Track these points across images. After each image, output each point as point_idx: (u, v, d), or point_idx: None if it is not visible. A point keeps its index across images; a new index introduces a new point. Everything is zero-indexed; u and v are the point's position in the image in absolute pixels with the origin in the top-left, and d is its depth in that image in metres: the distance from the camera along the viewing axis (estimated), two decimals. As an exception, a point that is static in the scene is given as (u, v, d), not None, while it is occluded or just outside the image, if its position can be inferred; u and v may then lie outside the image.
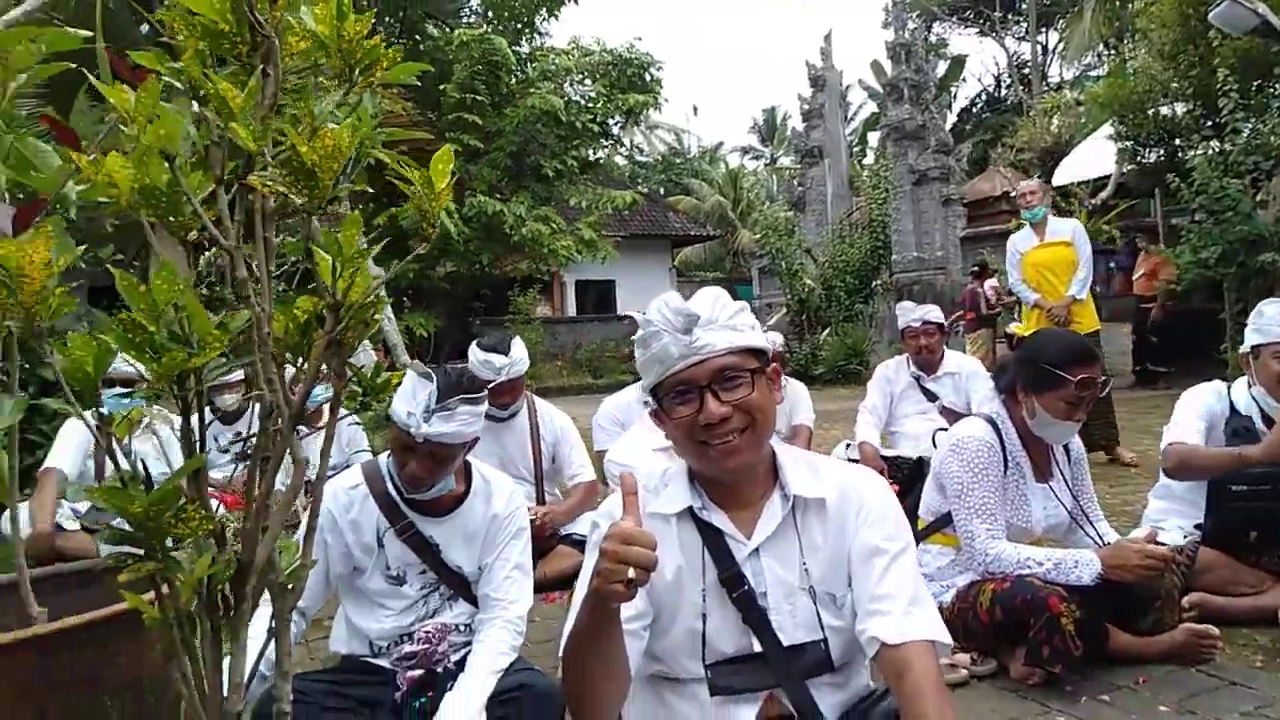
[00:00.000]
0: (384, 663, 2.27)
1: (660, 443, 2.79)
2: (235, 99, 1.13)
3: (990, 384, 4.95)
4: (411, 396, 2.14)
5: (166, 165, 1.17)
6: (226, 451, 5.44)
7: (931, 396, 5.00)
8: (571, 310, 22.20)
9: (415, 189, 1.14)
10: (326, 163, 1.07)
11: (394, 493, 2.31)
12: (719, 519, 1.59)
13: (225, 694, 1.24)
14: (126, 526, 1.15)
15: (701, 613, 1.56)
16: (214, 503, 3.79)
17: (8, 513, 4.34)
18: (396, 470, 2.24)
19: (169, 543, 1.17)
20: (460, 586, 2.35)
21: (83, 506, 4.39)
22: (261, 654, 1.35)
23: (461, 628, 2.35)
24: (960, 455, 2.69)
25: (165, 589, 1.27)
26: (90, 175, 1.08)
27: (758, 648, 1.56)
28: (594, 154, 11.68)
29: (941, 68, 26.25)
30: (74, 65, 1.95)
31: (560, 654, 1.51)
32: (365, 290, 1.25)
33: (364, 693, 2.17)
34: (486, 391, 2.32)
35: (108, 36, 1.86)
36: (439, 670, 2.27)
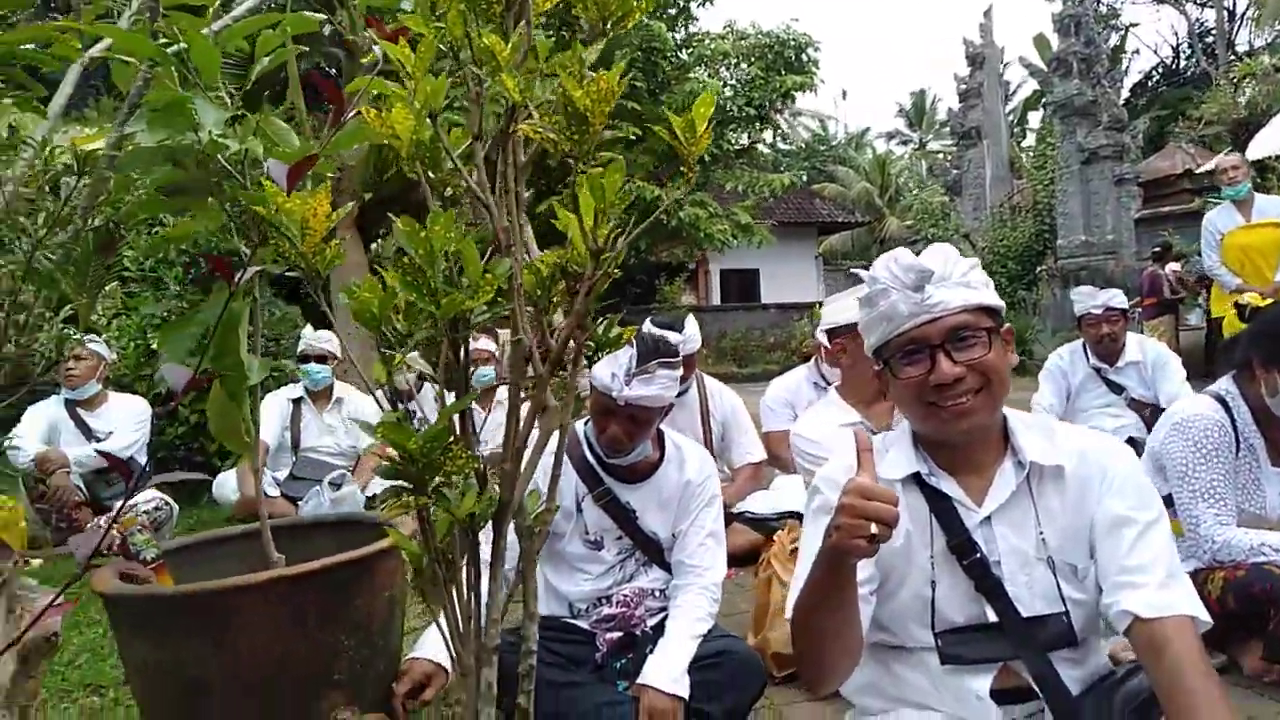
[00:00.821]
0: (583, 624, 2.33)
1: (848, 418, 2.75)
2: (502, 52, 1.16)
3: (1182, 370, 4.60)
4: (612, 360, 2.17)
5: (429, 122, 1.22)
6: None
7: (1116, 389, 4.66)
8: (716, 299, 22.16)
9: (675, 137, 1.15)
10: (598, 106, 1.08)
11: (591, 459, 2.36)
12: (947, 485, 1.54)
13: (484, 628, 1.29)
14: (399, 464, 1.21)
15: (930, 579, 1.52)
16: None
17: (219, 479, 4.73)
18: (596, 434, 2.29)
19: (437, 479, 1.22)
20: (655, 552, 2.38)
21: (282, 475, 4.72)
22: (510, 594, 1.39)
23: (657, 593, 2.38)
24: (1185, 435, 2.50)
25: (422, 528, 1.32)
26: (375, 127, 1.14)
27: (992, 617, 1.50)
28: (749, 138, 11.57)
29: (1113, 39, 24.58)
30: (305, 47, 2.06)
31: (789, 616, 1.50)
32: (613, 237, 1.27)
33: (568, 650, 2.23)
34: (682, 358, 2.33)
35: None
36: (637, 633, 2.31)
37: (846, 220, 25.73)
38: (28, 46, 1.78)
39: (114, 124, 2.49)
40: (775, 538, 2.82)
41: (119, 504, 4.32)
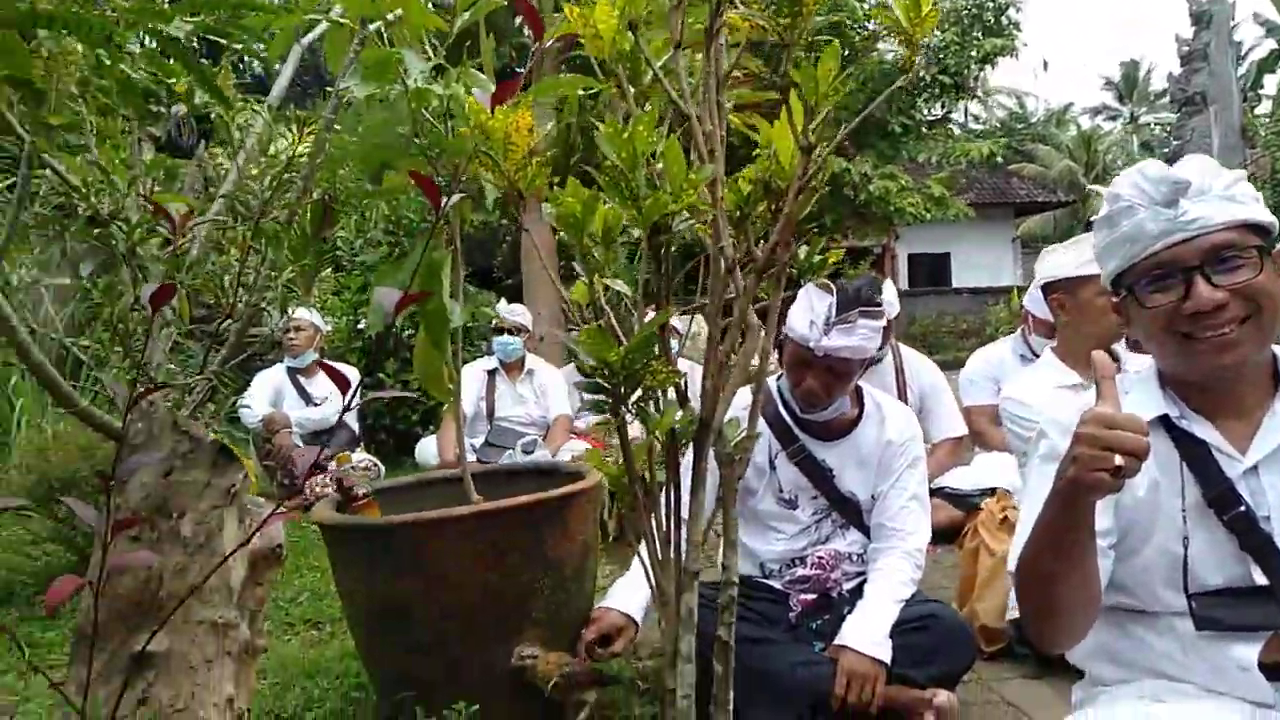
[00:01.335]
0: (775, 584, 2.25)
1: (1066, 380, 2.51)
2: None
3: None
4: (809, 309, 2.07)
5: (629, 33, 1.17)
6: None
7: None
8: (904, 284, 21.29)
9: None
10: (814, -16, 1.00)
11: (785, 415, 2.27)
12: (1203, 430, 1.34)
13: (686, 553, 1.24)
14: (600, 377, 1.18)
15: (1183, 535, 1.33)
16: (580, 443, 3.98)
17: (421, 444, 4.99)
18: (792, 388, 2.19)
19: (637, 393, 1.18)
20: (853, 514, 2.26)
21: (478, 442, 4.93)
22: (710, 522, 1.34)
23: (854, 557, 2.26)
24: None
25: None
26: (578, 26, 1.11)
27: (1260, 579, 1.29)
28: (944, 107, 10.96)
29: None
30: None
31: (1012, 568, 1.36)
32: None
33: (761, 607, 2.16)
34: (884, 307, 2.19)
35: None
36: (834, 595, 2.21)
37: (1047, 200, 24.00)
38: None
39: (333, 96, 2.64)
40: (984, 506, 2.62)
41: (331, 463, 4.65)
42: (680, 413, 1.19)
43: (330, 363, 5.01)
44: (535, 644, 1.90)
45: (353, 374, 4.99)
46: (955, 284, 20.25)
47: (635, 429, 1.28)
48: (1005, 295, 18.34)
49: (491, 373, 5.02)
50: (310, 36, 2.64)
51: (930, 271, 21.58)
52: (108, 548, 1.20)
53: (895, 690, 1.97)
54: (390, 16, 2.00)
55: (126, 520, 1.18)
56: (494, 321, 5.03)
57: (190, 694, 1.32)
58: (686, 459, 1.29)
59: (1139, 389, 1.42)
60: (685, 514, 1.26)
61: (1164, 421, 1.36)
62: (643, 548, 1.31)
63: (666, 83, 1.23)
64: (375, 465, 4.63)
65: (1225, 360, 1.28)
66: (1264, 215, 1.29)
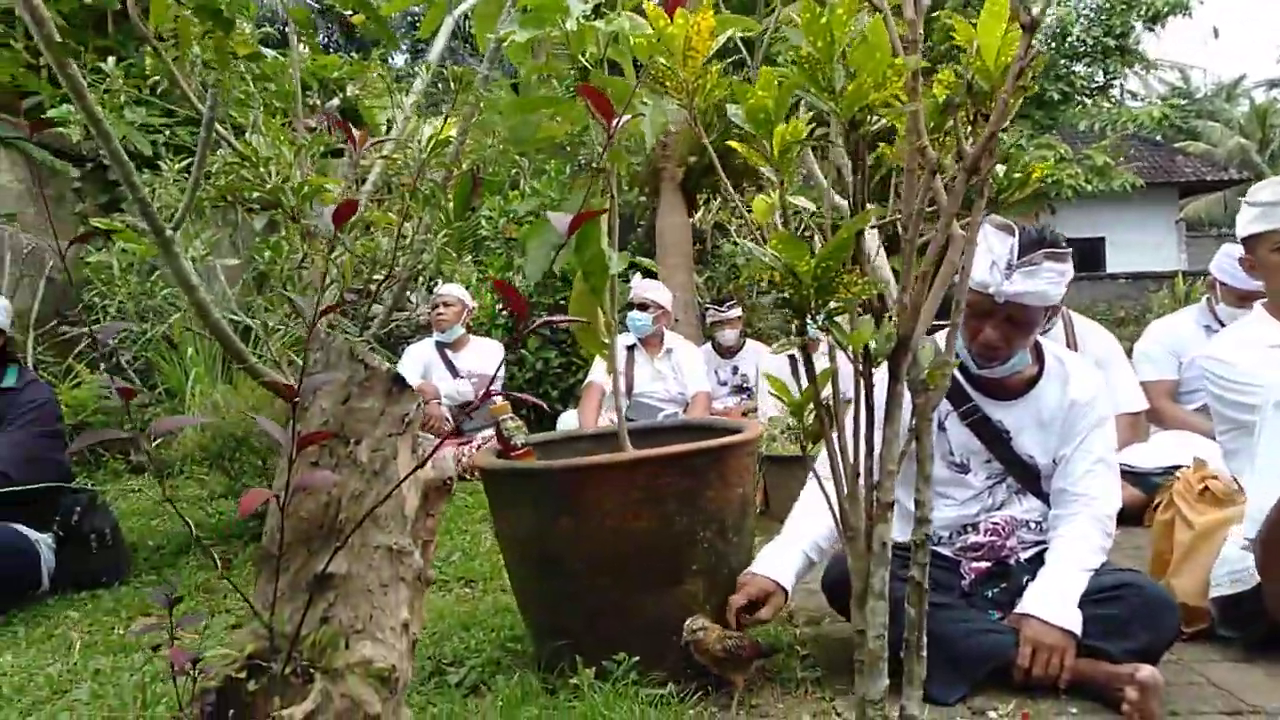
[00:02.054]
0: (945, 551, 2.11)
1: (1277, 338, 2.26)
2: None
3: None
4: (987, 251, 1.92)
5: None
6: (725, 384, 5.81)
7: None
8: (1052, 271, 20.10)
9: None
10: None
11: (957, 372, 2.12)
12: None
13: (877, 480, 1.15)
14: (784, 287, 1.10)
15: None
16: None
17: (562, 418, 5.04)
18: (967, 340, 2.04)
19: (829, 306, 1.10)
20: (1030, 479, 2.09)
21: (616, 417, 4.95)
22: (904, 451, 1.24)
23: (1032, 524, 2.10)
24: None
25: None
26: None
27: None
28: (1106, 74, 10.18)
29: None
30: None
31: (1251, 535, 1.20)
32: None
33: (934, 574, 2.03)
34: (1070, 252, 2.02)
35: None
36: (1011, 563, 2.06)
37: (1216, 179, 22.20)
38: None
39: (486, 59, 2.65)
40: (1180, 475, 2.39)
41: (479, 434, 4.75)
42: (876, 329, 1.10)
43: (478, 337, 5.14)
44: (704, 614, 1.84)
45: (498, 349, 5.10)
46: (1110, 269, 19.00)
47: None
48: (1169, 280, 17.09)
49: (630, 349, 5.01)
50: (462, 8, 2.67)
51: (1082, 256, 20.26)
52: (293, 465, 1.22)
53: (1087, 664, 1.81)
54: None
55: (311, 436, 1.18)
56: (629, 297, 5.03)
57: (369, 616, 1.32)
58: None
59: None
60: (878, 441, 1.16)
61: None
62: (825, 477, 1.22)
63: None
64: (522, 432, 4.71)
65: None
66: None
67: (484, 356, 4.97)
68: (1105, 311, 16.51)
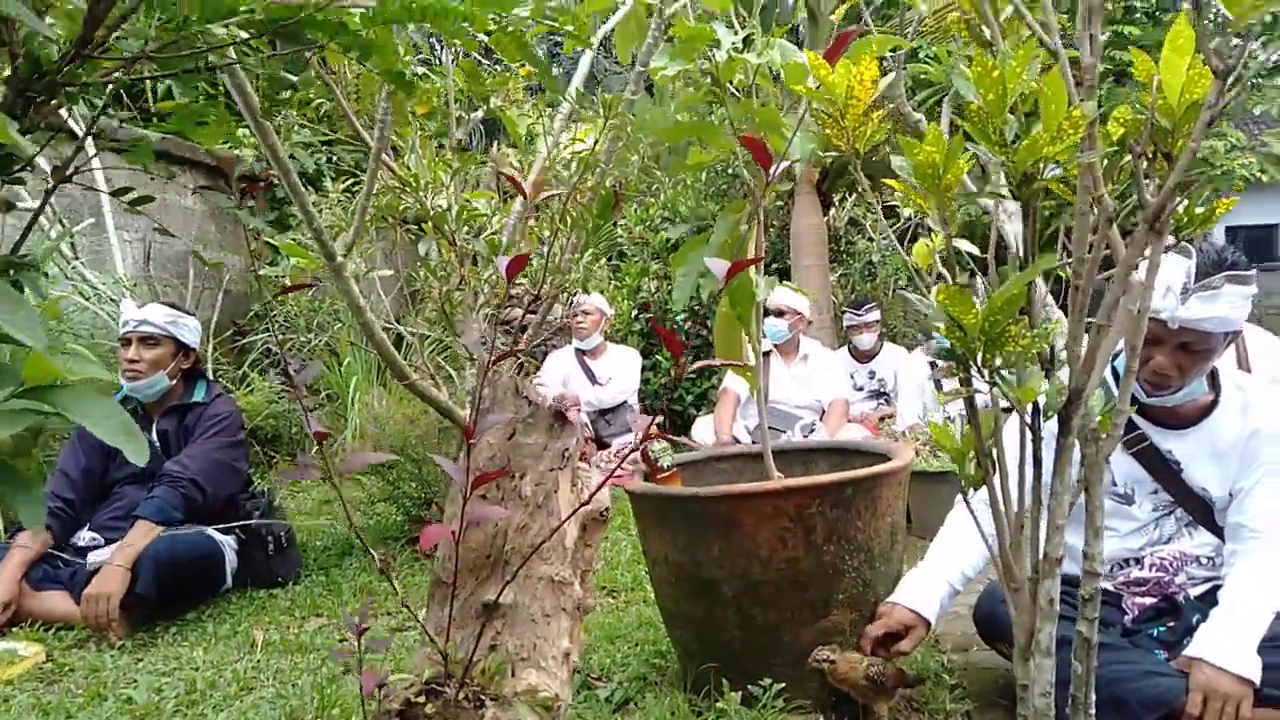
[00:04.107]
0: (1106, 585, 2.02)
1: None
2: None
3: None
4: (1163, 275, 1.82)
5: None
6: (861, 389, 5.70)
7: None
8: (1217, 263, 18.62)
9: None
10: None
11: (1109, 378, 2.02)
12: None
13: (1045, 536, 1.13)
14: (950, 339, 1.09)
15: None
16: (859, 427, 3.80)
17: (696, 424, 5.07)
18: (1137, 367, 1.94)
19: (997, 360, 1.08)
20: (1202, 512, 1.98)
21: (752, 424, 4.93)
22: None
23: (1204, 560, 1.98)
24: None
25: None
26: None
27: None
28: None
29: None
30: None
31: None
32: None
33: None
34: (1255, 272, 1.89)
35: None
36: (1179, 600, 1.95)
37: None
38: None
39: (631, 82, 2.71)
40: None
41: (616, 441, 4.85)
42: (1047, 383, 1.08)
43: (616, 345, 5.24)
44: (833, 644, 1.83)
45: (636, 356, 5.18)
46: (1287, 260, 17.48)
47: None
48: (1357, 271, 15.58)
49: (766, 355, 5.00)
50: (606, 27, 2.73)
51: (1252, 246, 18.72)
52: (467, 501, 1.29)
53: (1266, 716, 1.70)
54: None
55: (484, 476, 1.26)
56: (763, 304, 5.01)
57: (533, 645, 1.39)
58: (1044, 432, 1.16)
59: None
60: (1045, 495, 1.14)
61: None
62: (988, 528, 1.21)
63: (1029, 16, 1.11)
64: (668, 450, 4.81)
65: None
66: None
67: (622, 364, 5.07)
68: (1278, 306, 15.24)
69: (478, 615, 1.40)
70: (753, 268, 2.06)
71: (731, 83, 2.04)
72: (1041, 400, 1.08)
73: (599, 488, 1.37)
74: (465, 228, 2.74)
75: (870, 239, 7.84)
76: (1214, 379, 2.00)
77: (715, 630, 1.93)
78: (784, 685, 1.87)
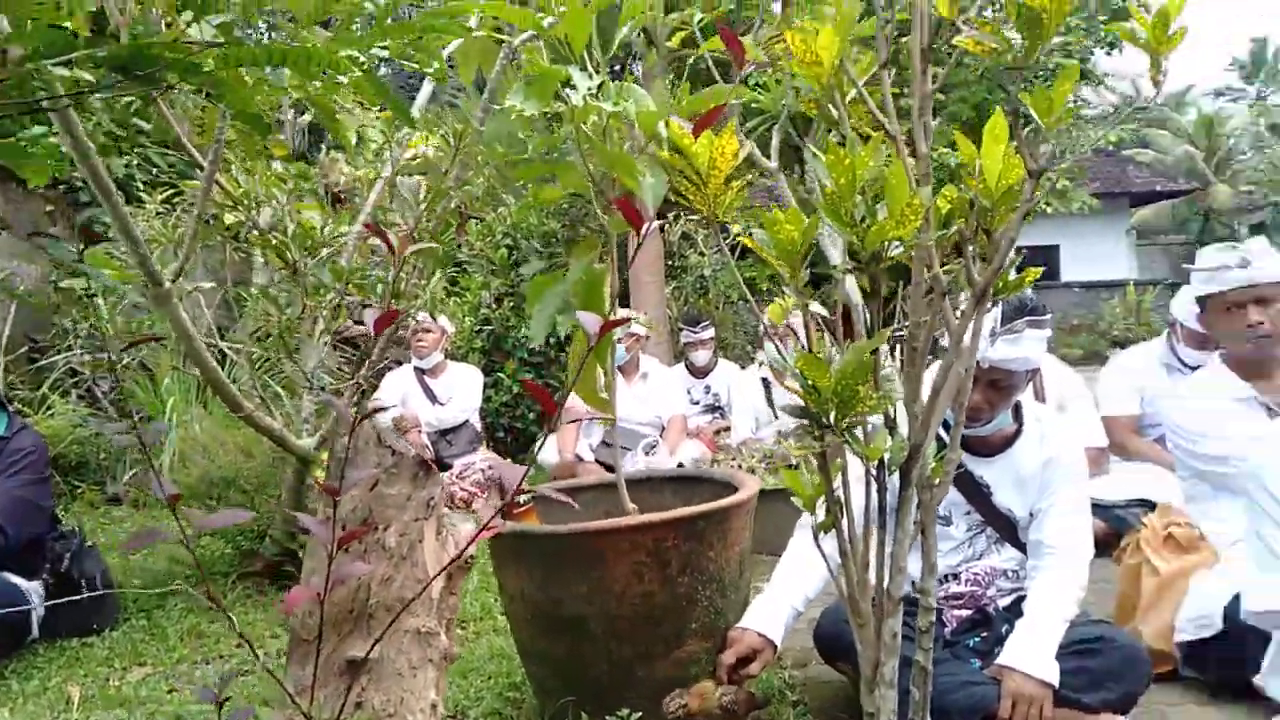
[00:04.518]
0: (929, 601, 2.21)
1: (1241, 393, 2.39)
2: (930, -35, 1.09)
3: None
4: (972, 319, 2.02)
5: (835, 41, 1.17)
6: (698, 403, 5.90)
7: None
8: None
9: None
10: (1057, 7, 0.98)
11: (940, 429, 2.22)
12: None
13: (890, 576, 1.24)
14: (806, 401, 1.18)
15: None
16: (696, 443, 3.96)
17: (545, 443, 5.08)
18: (950, 400, 2.14)
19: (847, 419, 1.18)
20: (1008, 530, 2.20)
21: (595, 442, 5.00)
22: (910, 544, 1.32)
23: (1010, 573, 2.21)
24: None
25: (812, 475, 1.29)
26: (798, 51, 1.11)
27: None
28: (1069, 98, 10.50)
29: None
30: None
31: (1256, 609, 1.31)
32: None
33: (913, 623, 2.13)
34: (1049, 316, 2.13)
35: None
36: (990, 610, 2.16)
37: (1165, 189, 22.84)
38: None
39: (480, 103, 2.70)
40: (1146, 522, 2.52)
41: (458, 461, 4.79)
42: (891, 440, 1.19)
43: (456, 363, 5.17)
44: (682, 691, 1.89)
45: (477, 374, 5.13)
46: (1064, 278, 19.46)
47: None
48: (1120, 289, 17.55)
49: (608, 374, 5.09)
50: (447, 50, 2.72)
51: (1035, 263, 20.69)
52: (333, 560, 1.27)
53: (1065, 715, 1.92)
54: (547, 22, 2.05)
55: (350, 534, 1.24)
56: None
57: (400, 699, 1.38)
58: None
59: None
60: (889, 539, 1.25)
61: None
62: (837, 570, 1.31)
63: (872, 103, 1.22)
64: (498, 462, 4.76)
65: None
66: None
67: (463, 382, 5.01)
68: (1060, 320, 16.94)
69: (341, 672, 1.37)
70: (607, 305, 2.11)
71: (586, 124, 2.09)
72: (886, 456, 1.19)
73: (470, 543, 1.38)
74: (301, 248, 2.65)
75: (702, 253, 8.10)
76: (1017, 411, 2.23)
77: (575, 665, 1.96)
78: (641, 715, 1.93)
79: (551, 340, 5.65)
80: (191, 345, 2.53)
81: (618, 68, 9.00)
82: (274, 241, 2.62)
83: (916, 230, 1.12)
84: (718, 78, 1.99)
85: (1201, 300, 2.51)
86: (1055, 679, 1.91)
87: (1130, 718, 1.94)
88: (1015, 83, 1.08)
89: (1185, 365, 3.60)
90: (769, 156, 1.72)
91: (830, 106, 1.19)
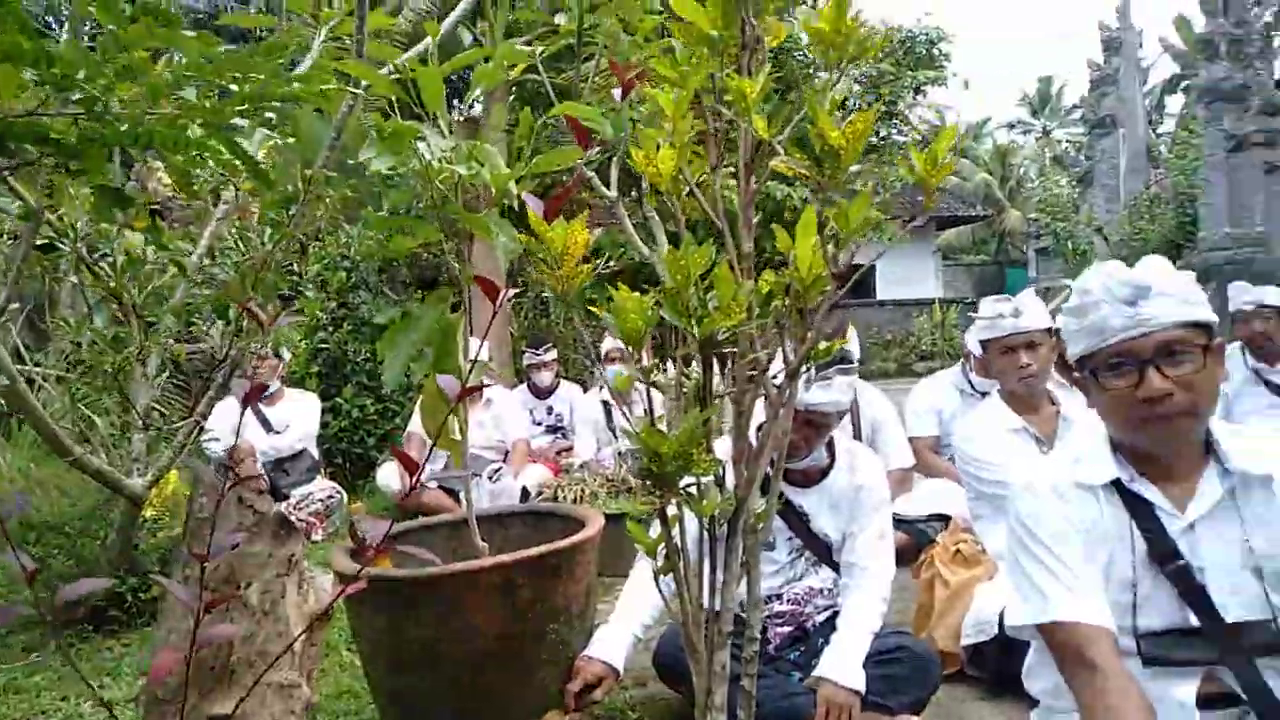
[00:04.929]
0: (755, 618, 2.44)
1: (1012, 424, 2.77)
2: (751, 93, 1.28)
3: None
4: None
5: (674, 157, 1.34)
6: (540, 424, 6.01)
7: (1278, 390, 4.44)
8: (830, 296, 21.80)
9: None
10: (852, 145, 1.19)
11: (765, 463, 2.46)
12: (1149, 491, 1.56)
13: (719, 615, 1.41)
14: (649, 466, 1.34)
15: (1131, 585, 1.55)
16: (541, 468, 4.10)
17: (382, 470, 5.05)
18: (773, 438, 2.38)
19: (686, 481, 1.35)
20: (824, 553, 2.46)
21: (438, 467, 5.01)
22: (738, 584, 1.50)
23: (825, 591, 2.47)
24: None
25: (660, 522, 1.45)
26: (641, 166, 1.27)
27: (1194, 622, 1.52)
28: (878, 136, 11.41)
29: (1265, 17, 22.95)
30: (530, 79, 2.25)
31: (1018, 623, 1.57)
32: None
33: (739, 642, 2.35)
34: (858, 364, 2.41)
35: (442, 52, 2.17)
36: (809, 626, 2.41)
37: (967, 214, 25.01)
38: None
39: (325, 145, 2.73)
40: (939, 540, 2.86)
41: (295, 491, 4.69)
42: (720, 496, 1.37)
43: (293, 390, 5.05)
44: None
45: (314, 401, 5.03)
46: (880, 296, 20.89)
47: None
48: (928, 307, 19.04)
49: (449, 400, 5.12)
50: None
51: (855, 284, 22.13)
52: (199, 624, 1.32)
53: (869, 717, 2.18)
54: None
55: (215, 600, 1.29)
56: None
57: (264, 752, 1.43)
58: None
59: (1093, 454, 1.63)
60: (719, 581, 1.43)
61: (1117, 484, 1.59)
62: (675, 607, 1.48)
63: (705, 203, 1.40)
64: (338, 493, 4.69)
65: (1168, 437, 1.51)
66: (1208, 315, 1.52)
67: (300, 409, 4.90)
68: (876, 334, 18.19)
69: (203, 731, 1.40)
70: (461, 352, 2.21)
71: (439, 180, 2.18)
72: (716, 510, 1.37)
73: (335, 599, 1.45)
74: (123, 275, 2.58)
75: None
76: (831, 446, 2.50)
77: (428, 702, 2.05)
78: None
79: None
80: (15, 389, 2.43)
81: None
82: (102, 276, 2.55)
83: (742, 319, 1.30)
84: (554, 101, 2.06)
85: (983, 344, 2.89)
86: (862, 686, 2.17)
87: (924, 716, 2.23)
88: (821, 198, 1.29)
89: (976, 391, 4.06)
90: (608, 185, 1.80)
91: (671, 202, 1.36)
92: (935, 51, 10.86)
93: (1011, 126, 39.63)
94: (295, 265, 5.24)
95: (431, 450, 1.73)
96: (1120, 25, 16.33)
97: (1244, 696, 1.48)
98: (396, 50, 2.49)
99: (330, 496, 4.61)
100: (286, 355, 4.99)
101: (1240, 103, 13.29)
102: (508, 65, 2.66)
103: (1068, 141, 34.13)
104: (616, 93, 1.51)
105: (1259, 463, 1.52)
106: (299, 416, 4.86)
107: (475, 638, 1.99)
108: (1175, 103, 29.37)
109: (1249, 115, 13.25)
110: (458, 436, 2.34)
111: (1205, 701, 1.51)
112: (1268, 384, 4.45)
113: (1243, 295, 4.40)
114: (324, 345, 5.64)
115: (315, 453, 4.95)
